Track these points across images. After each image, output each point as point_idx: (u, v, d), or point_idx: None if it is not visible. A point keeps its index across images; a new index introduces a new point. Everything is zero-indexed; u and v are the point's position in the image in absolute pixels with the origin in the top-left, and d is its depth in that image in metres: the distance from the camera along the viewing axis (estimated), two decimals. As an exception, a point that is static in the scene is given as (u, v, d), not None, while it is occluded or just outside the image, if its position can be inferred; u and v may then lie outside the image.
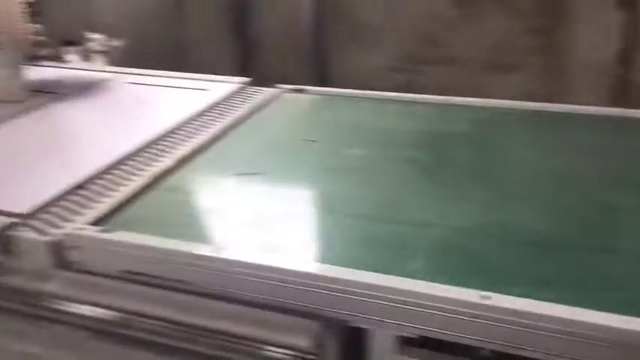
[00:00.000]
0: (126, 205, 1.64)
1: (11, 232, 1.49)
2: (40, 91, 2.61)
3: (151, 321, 1.42)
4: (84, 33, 2.59)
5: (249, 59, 3.76)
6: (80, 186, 1.71)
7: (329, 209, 1.66)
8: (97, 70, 2.83)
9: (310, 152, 2.04)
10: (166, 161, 1.91)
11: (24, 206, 1.56)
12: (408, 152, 1.97)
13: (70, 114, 2.35)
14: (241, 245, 1.45)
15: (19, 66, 2.51)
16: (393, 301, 1.20)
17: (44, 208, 1.59)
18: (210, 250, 1.37)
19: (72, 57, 2.61)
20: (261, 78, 2.89)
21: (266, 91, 2.67)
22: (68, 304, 1.48)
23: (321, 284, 1.26)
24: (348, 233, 1.51)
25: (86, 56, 2.62)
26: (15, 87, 2.47)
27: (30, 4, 2.47)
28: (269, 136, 2.19)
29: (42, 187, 1.67)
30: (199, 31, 3.70)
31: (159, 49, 3.86)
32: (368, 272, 1.25)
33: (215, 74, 2.91)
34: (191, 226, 1.55)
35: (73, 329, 1.50)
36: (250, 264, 1.33)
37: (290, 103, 2.56)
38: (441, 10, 3.79)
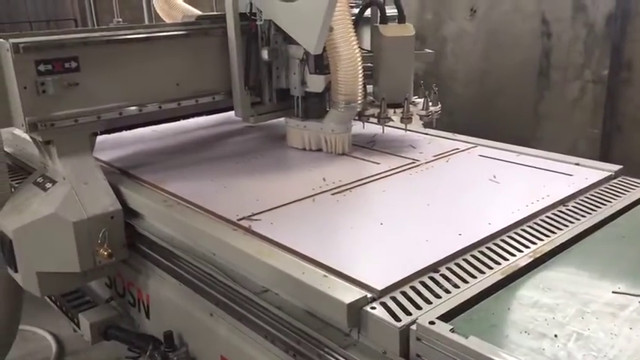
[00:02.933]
0: (477, 302, 1.50)
1: (364, 307, 1.48)
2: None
3: None
4: (407, 96, 2.65)
5: (614, 139, 3.30)
6: (434, 269, 1.64)
7: None
8: (467, 142, 2.83)
9: None
10: (522, 256, 1.72)
11: (379, 281, 1.54)
12: None
13: (428, 187, 2.34)
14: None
15: (350, 122, 2.72)
16: None
17: (397, 286, 1.55)
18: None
19: (394, 117, 2.72)
20: (626, 162, 2.48)
21: (642, 185, 2.26)
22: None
23: None
24: None
25: (408, 118, 2.69)
26: (344, 141, 2.70)
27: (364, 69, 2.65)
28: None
29: (398, 263, 1.64)
30: (560, 105, 3.42)
31: (509, 116, 3.72)
32: None
33: (570, 153, 2.62)
34: (553, 345, 1.31)
35: None
36: None
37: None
38: None
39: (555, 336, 1.34)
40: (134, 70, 2.43)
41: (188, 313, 2.15)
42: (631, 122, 3.29)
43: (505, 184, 2.28)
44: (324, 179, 2.37)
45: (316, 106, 2.76)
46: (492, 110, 3.83)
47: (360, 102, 2.65)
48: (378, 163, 2.58)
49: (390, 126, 2.93)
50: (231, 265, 1.89)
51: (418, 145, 2.84)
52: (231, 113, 2.84)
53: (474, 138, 2.91)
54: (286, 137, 2.86)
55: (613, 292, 1.51)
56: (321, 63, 2.63)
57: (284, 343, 1.68)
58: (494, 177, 2.35)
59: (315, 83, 2.66)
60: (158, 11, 3.37)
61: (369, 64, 2.77)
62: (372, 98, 2.82)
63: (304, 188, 2.27)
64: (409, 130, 2.92)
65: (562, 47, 3.41)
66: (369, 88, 2.85)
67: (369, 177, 2.40)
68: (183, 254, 2.15)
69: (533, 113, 3.60)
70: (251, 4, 2.58)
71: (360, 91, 2.62)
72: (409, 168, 2.52)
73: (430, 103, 2.74)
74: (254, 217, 2.01)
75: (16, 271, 2.31)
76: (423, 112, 2.72)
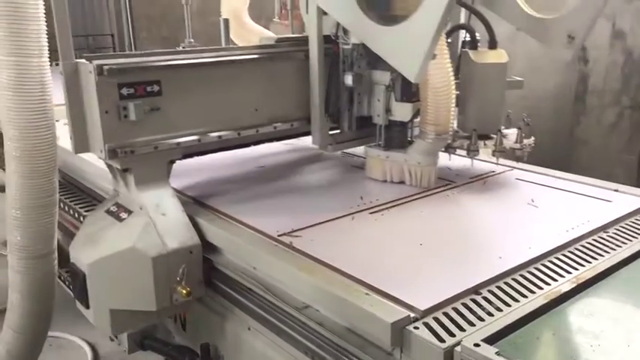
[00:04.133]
0: (520, 326, 1.50)
1: (407, 326, 1.49)
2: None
3: None
4: (499, 128, 2.47)
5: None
6: (475, 291, 1.65)
7: None
8: (504, 165, 2.76)
9: None
10: (564, 281, 1.71)
11: (421, 301, 1.56)
12: None
13: (466, 209, 2.35)
14: None
15: (437, 155, 2.55)
16: None
17: (439, 307, 1.56)
18: None
19: (483, 150, 2.52)
20: None
21: (685, 214, 2.23)
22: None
23: None
24: None
25: (501, 151, 2.48)
26: (430, 174, 2.52)
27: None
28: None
29: (439, 284, 1.66)
30: (596, 130, 3.41)
31: (544, 140, 3.71)
32: None
33: (606, 179, 2.60)
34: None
35: None
36: None
37: None
38: None
39: (596, 362, 1.34)
40: (214, 95, 2.33)
41: (225, 326, 2.19)
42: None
43: (544, 209, 2.28)
44: (361, 198, 2.40)
45: (399, 136, 2.60)
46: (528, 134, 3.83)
47: (450, 133, 2.50)
48: (414, 185, 2.59)
49: (480, 159, 2.75)
50: (272, 280, 1.92)
51: (453, 166, 2.85)
52: (301, 139, 2.79)
53: (509, 161, 2.90)
54: (365, 167, 2.68)
55: (659, 321, 1.50)
56: (409, 90, 2.45)
57: (323, 359, 1.70)
58: (533, 201, 2.35)
59: (402, 111, 2.48)
60: (231, 34, 3.30)
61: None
62: (456, 128, 2.62)
63: (342, 206, 2.29)
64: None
65: (599, 73, 3.41)
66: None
67: (405, 197, 2.42)
68: (223, 268, 2.19)
69: (570, 138, 3.59)
70: (338, 25, 2.44)
71: (451, 121, 2.47)
72: (446, 190, 2.53)
73: (523, 135, 2.57)
74: (294, 234, 2.04)
75: (87, 307, 2.20)
76: (517, 146, 2.54)
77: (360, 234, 2.07)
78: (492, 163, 2.71)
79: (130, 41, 8.23)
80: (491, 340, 1.42)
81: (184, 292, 2.06)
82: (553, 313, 1.56)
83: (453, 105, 2.44)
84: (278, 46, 2.60)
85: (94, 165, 2.65)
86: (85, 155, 2.30)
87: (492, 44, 2.57)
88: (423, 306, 1.54)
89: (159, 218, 2.14)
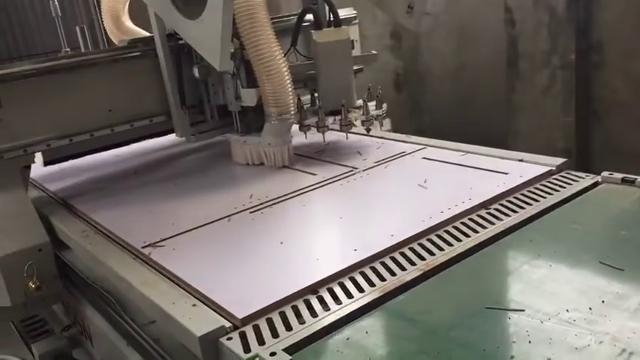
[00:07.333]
0: (344, 325, 1.40)
1: (221, 338, 1.41)
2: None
3: None
4: (343, 102, 2.56)
5: (592, 125, 3.07)
6: (313, 290, 1.55)
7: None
8: (415, 143, 2.74)
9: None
10: (412, 270, 1.60)
11: (243, 309, 1.47)
12: None
13: (351, 198, 2.25)
14: None
15: (287, 134, 2.62)
16: None
17: (262, 314, 1.47)
18: None
19: (335, 125, 2.65)
20: (606, 147, 2.29)
21: (583, 179, 2.09)
22: None
23: None
24: None
25: (347, 125, 2.60)
26: (283, 153, 2.62)
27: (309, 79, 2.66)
28: (559, 253, 1.65)
29: (275, 287, 1.57)
30: (532, 95, 3.21)
31: (485, 110, 3.55)
32: None
33: (546, 143, 2.44)
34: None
35: None
36: None
37: (612, 198, 1.93)
38: None
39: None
40: (60, 101, 2.43)
41: (111, 341, 2.14)
42: (608, 106, 3.06)
43: (432, 189, 2.16)
44: (251, 196, 2.31)
45: (255, 121, 2.67)
46: (469, 105, 3.67)
47: (292, 113, 2.55)
48: (315, 174, 2.49)
49: (353, 132, 2.83)
50: (121, 296, 1.87)
51: (366, 150, 2.74)
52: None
53: (426, 139, 2.79)
54: (231, 153, 2.81)
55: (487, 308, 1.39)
56: (252, 77, 2.54)
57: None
58: (425, 182, 2.23)
59: (248, 97, 2.58)
60: (109, 34, 3.38)
61: (313, 72, 2.70)
62: (319, 105, 2.70)
63: (226, 207, 2.21)
64: (366, 135, 2.83)
65: (527, 35, 3.22)
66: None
67: (297, 190, 2.32)
68: (97, 284, 2.15)
69: (507, 105, 3.42)
70: None
71: (291, 101, 2.53)
72: (344, 177, 2.42)
73: (374, 107, 2.64)
74: (159, 244, 1.97)
75: None
76: (364, 117, 2.61)
77: (227, 237, 1.97)
78: (364, 135, 2.81)
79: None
80: (304, 343, 1.34)
81: (34, 286, 2.21)
82: (382, 309, 1.46)
83: (290, 86, 2.49)
84: (127, 48, 2.67)
85: None
86: None
87: (336, 23, 2.65)
88: (241, 314, 1.46)
89: (8, 221, 2.26)
